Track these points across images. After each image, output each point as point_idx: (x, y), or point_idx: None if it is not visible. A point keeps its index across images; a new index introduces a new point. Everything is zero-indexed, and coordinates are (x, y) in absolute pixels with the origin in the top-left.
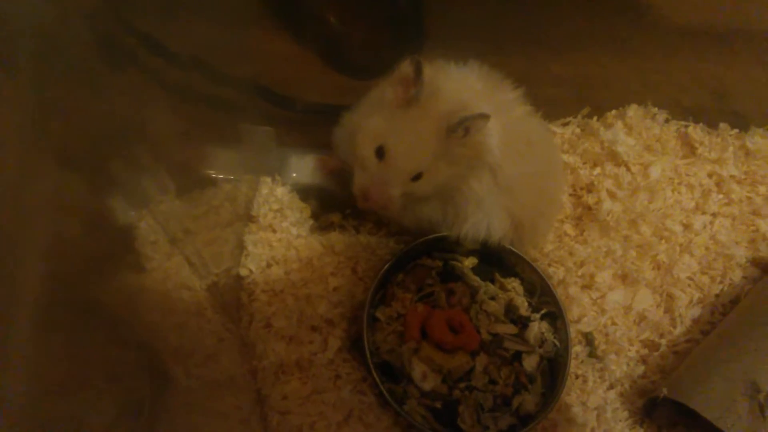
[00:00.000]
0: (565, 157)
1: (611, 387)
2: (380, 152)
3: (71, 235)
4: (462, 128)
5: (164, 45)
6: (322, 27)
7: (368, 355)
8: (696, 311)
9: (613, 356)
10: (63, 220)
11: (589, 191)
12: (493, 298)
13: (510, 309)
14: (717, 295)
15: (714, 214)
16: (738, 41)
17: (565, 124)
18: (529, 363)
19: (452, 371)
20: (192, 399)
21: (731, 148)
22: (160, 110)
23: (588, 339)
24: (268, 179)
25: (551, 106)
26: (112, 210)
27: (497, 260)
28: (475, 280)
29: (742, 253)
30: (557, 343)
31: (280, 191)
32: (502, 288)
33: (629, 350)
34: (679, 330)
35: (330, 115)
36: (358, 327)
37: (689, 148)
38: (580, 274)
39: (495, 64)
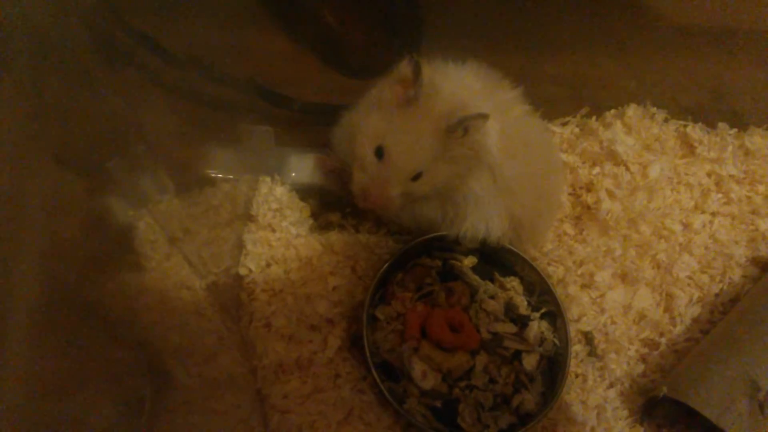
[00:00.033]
0: (564, 156)
1: (611, 386)
2: (379, 152)
3: (70, 235)
4: (461, 128)
5: (163, 45)
6: (320, 27)
7: (368, 354)
8: (696, 310)
9: (612, 355)
10: (62, 220)
11: (589, 191)
12: (492, 297)
13: (509, 308)
14: (716, 294)
15: (713, 214)
16: (737, 41)
17: (564, 124)
18: (529, 362)
19: (452, 370)
20: (192, 398)
21: (730, 148)
22: (159, 110)
23: (588, 338)
24: (268, 179)
25: (550, 106)
26: (111, 210)
27: (497, 259)
28: (475, 279)
29: (741, 253)
30: (557, 342)
31: (280, 191)
32: (502, 287)
33: (629, 349)
34: (678, 329)
35: (329, 115)
36: (358, 326)
37: (688, 148)
38: (579, 273)
39: (493, 63)
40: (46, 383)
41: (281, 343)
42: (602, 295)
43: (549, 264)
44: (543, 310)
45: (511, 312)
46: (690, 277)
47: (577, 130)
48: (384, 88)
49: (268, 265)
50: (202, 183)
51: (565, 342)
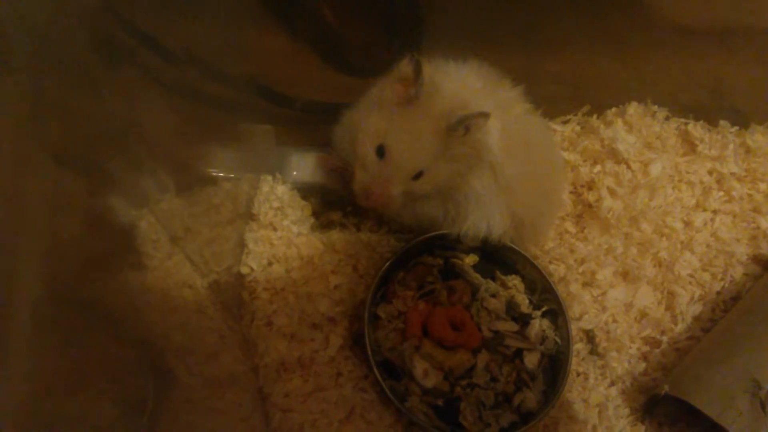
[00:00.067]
0: (565, 154)
1: (612, 384)
2: (380, 151)
3: (71, 235)
4: (462, 127)
5: (163, 44)
6: (320, 26)
7: (370, 353)
8: (697, 308)
9: (614, 353)
10: (62, 220)
11: (590, 189)
12: (494, 296)
13: (511, 306)
14: (718, 293)
15: (715, 212)
16: (737, 39)
17: (565, 122)
18: (531, 360)
19: (453, 368)
20: (194, 397)
21: (731, 146)
22: (160, 109)
23: (589, 336)
24: (269, 177)
25: (551, 104)
26: (113, 209)
27: (498, 258)
28: (476, 277)
29: (742, 250)
30: (558, 341)
31: (281, 189)
32: (503, 285)
33: (630, 347)
34: (680, 327)
35: (330, 114)
36: (360, 325)
37: (689, 146)
38: (581, 271)
39: (494, 62)
40: (47, 382)
41: (283, 342)
42: (603, 294)
43: (550, 262)
44: (544, 309)
45: (512, 310)
46: (691, 275)
47: (578, 128)
48: (385, 87)
49: (270, 264)
50: (203, 182)
51: (567, 340)
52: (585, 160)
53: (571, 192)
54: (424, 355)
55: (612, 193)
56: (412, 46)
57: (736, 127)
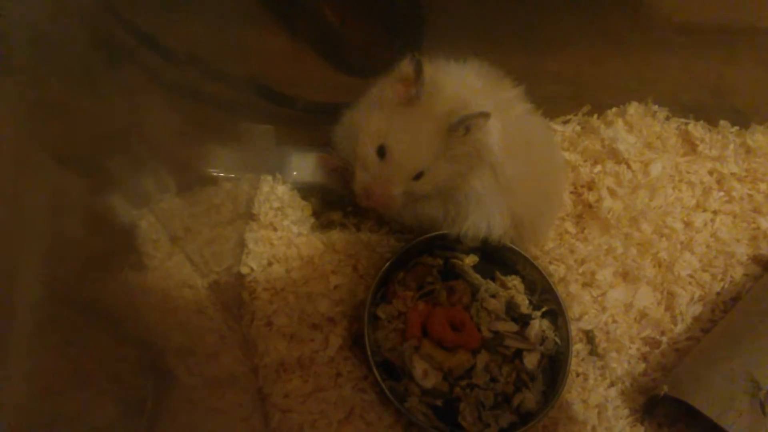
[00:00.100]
0: (565, 154)
1: (612, 385)
2: (381, 151)
3: (72, 235)
4: (462, 127)
5: (163, 44)
6: (321, 26)
7: (369, 353)
8: (697, 309)
9: (613, 354)
10: (63, 220)
11: (590, 189)
12: (493, 296)
13: (511, 307)
14: (718, 293)
15: (715, 212)
16: (738, 38)
17: (566, 122)
18: (530, 361)
19: (453, 369)
20: (193, 397)
21: (732, 146)
22: (160, 109)
23: (589, 337)
24: (269, 177)
25: (551, 104)
26: (113, 209)
27: (498, 258)
28: (476, 278)
29: (743, 251)
30: (558, 341)
31: (281, 189)
32: (503, 286)
33: (630, 348)
34: (679, 327)
35: (331, 114)
36: (359, 325)
37: (690, 146)
38: (580, 271)
39: (495, 62)
40: (47, 382)
41: (282, 342)
42: (603, 294)
43: (550, 262)
44: (544, 309)
45: (512, 311)
46: (691, 276)
47: (578, 128)
48: (385, 87)
49: (270, 264)
50: (203, 182)
51: (566, 341)
52: (585, 160)
53: (571, 192)
54: (423, 355)
55: (612, 193)
56: (413, 46)
57: (737, 127)
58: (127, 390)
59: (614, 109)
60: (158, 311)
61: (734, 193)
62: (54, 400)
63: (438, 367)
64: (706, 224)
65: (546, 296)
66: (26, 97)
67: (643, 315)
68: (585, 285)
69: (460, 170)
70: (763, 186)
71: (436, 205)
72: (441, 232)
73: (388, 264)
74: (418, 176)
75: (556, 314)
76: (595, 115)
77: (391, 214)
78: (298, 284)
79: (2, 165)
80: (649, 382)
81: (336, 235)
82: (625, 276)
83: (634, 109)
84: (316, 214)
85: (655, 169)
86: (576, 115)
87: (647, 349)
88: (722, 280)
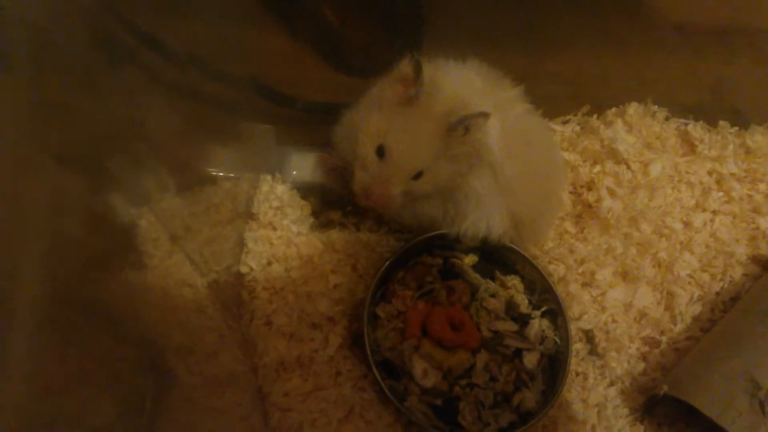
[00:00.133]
0: (565, 155)
1: (612, 384)
2: (380, 151)
3: (72, 234)
4: (462, 127)
5: (163, 44)
6: (321, 26)
7: (369, 353)
8: (696, 309)
9: (613, 353)
10: (63, 219)
11: (590, 189)
12: (493, 296)
13: (510, 306)
14: (717, 293)
15: (714, 212)
16: (737, 39)
17: (565, 122)
18: (530, 360)
19: (453, 368)
20: (193, 396)
21: (731, 146)
22: (160, 108)
23: (588, 336)
24: (269, 177)
25: (551, 104)
26: (113, 208)
27: (497, 258)
28: (476, 277)
29: (742, 251)
30: (558, 341)
31: (281, 189)
32: (503, 285)
33: (630, 347)
34: (679, 327)
35: (330, 114)
36: (359, 324)
37: (689, 146)
38: (580, 271)
39: (494, 62)
40: (46, 381)
41: (282, 341)
42: (603, 294)
43: (550, 262)
44: (544, 309)
45: (511, 310)
46: (691, 276)
47: (578, 128)
48: (385, 87)
49: (269, 264)
50: (203, 181)
51: (566, 340)
52: (585, 160)
53: (570, 192)
54: (423, 354)
55: (612, 193)
56: (413, 46)
57: (736, 128)
58: (127, 389)
59: (614, 109)
60: (158, 310)
61: (734, 194)
62: (54, 400)
63: (437, 366)
64: (705, 224)
65: (545, 296)
66: (27, 96)
67: (642, 315)
68: (584, 285)
69: (460, 170)
70: (762, 186)
71: (436, 205)
72: (440, 232)
73: (387, 263)
74: (418, 176)
75: (555, 314)
76: (595, 115)
77: (390, 214)
78: (298, 283)
79: (2, 165)
80: (649, 382)
81: (335, 235)
82: (625, 276)
83: (633, 109)
84: (315, 213)
85: (655, 170)
86: (575, 115)
87: (647, 348)
88: (722, 280)
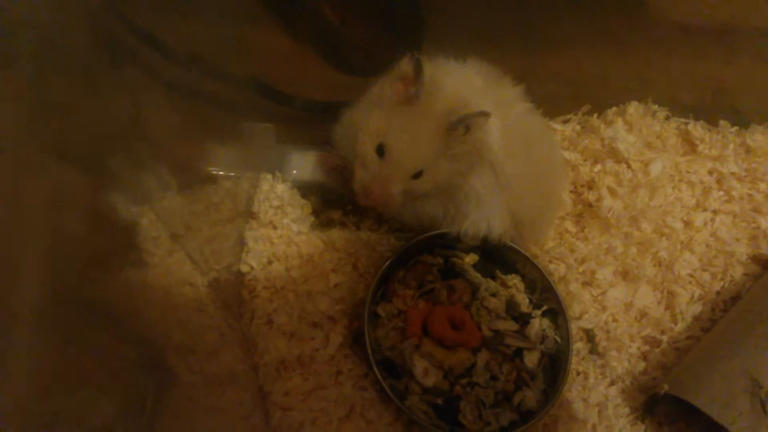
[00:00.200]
0: (565, 154)
1: (612, 383)
2: (380, 150)
3: (72, 232)
4: (462, 126)
5: (164, 43)
6: (321, 25)
7: (369, 352)
8: (697, 308)
9: (614, 353)
10: (64, 217)
11: (590, 188)
12: (494, 295)
13: (511, 306)
14: (718, 292)
15: (715, 211)
16: (738, 38)
17: (566, 122)
18: (531, 359)
19: (453, 367)
20: (194, 395)
21: (732, 146)
22: (161, 107)
23: (589, 336)
24: (269, 176)
25: (551, 104)
26: (114, 206)
27: (498, 257)
28: (476, 276)
29: (742, 250)
30: (558, 340)
31: (281, 188)
32: (503, 285)
33: (630, 347)
34: (680, 327)
35: (330, 112)
36: (360, 323)
37: (690, 146)
38: (581, 270)
39: (495, 61)
40: (47, 382)
41: (283, 340)
42: (603, 293)
43: (550, 261)
44: (544, 308)
45: (512, 309)
46: (691, 275)
47: (578, 127)
48: (385, 85)
49: (270, 262)
50: (203, 180)
51: (567, 339)
52: (585, 160)
53: (571, 191)
54: (424, 353)
55: (612, 192)
56: (413, 45)
57: (736, 127)
58: (128, 388)
59: (614, 109)
60: (158, 309)
61: (734, 193)
62: (54, 399)
63: (438, 365)
64: (705, 224)
65: (546, 295)
66: (28, 95)
67: (643, 314)
68: (585, 284)
69: (460, 169)
70: (762, 186)
71: (436, 204)
72: (441, 231)
73: (388, 262)
74: (418, 175)
75: (556, 313)
76: (595, 115)
77: (390, 213)
78: (298, 282)
79: (3, 164)
80: (650, 381)
81: (336, 234)
82: (625, 275)
83: (634, 108)
84: (315, 212)
85: (655, 169)
86: (576, 114)
87: (647, 348)
88: (722, 279)
